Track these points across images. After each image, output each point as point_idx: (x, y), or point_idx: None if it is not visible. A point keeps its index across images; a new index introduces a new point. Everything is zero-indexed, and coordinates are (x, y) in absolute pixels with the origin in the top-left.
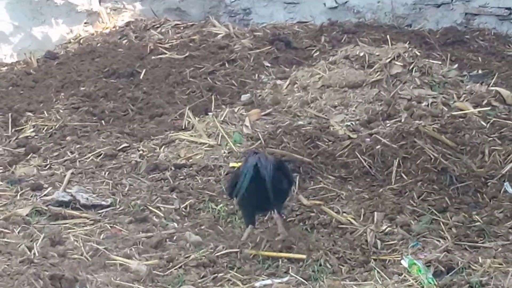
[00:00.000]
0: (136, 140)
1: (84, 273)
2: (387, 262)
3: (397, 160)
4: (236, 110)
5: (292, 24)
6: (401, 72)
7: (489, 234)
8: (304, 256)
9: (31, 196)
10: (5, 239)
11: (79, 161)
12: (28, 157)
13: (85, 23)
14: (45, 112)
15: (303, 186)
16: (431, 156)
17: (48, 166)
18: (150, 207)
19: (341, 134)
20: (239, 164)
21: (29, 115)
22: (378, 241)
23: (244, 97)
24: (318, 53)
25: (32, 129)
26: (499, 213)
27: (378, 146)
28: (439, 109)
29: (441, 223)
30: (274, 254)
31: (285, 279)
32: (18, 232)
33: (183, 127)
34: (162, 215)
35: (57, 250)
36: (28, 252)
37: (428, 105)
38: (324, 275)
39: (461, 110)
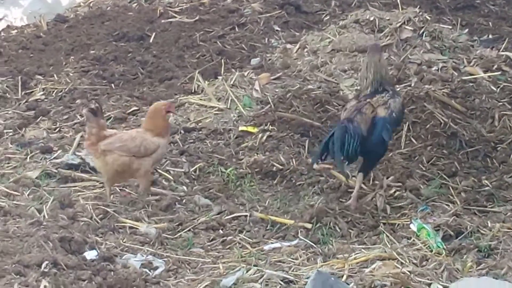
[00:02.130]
0: (145, 104)
1: (93, 235)
2: (396, 226)
3: (407, 125)
4: (246, 74)
5: None
6: (411, 37)
7: (498, 199)
8: (309, 226)
9: (41, 159)
10: (15, 202)
11: None
12: (38, 120)
13: None
14: (55, 75)
15: (313, 150)
16: (441, 120)
17: (58, 129)
18: (160, 170)
19: (350, 98)
20: (252, 128)
21: (39, 78)
22: (387, 206)
23: (254, 61)
24: (328, 17)
25: (42, 92)
26: (509, 178)
27: None
28: (449, 73)
29: (450, 188)
30: (281, 220)
31: (293, 242)
32: (28, 195)
33: (193, 91)
34: (172, 178)
35: (66, 213)
36: (38, 214)
37: (438, 70)
38: (333, 238)
39: (471, 74)
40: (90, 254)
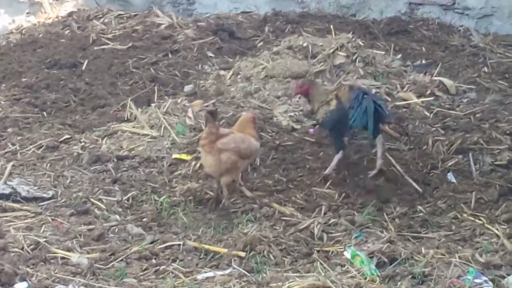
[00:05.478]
0: (78, 132)
1: (24, 266)
2: (330, 253)
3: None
4: (179, 101)
5: (236, 14)
6: (345, 63)
7: (432, 225)
8: (243, 254)
9: None
10: None
11: (20, 153)
12: None
13: (27, 13)
14: None
15: (247, 177)
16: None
17: None
18: (92, 199)
19: (284, 124)
20: (186, 156)
21: None
22: (322, 233)
23: (187, 88)
24: (261, 43)
25: None
26: (442, 203)
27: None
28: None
29: (384, 214)
30: (215, 248)
31: (227, 271)
32: None
33: (126, 119)
34: (104, 207)
35: None
36: None
37: None
38: (267, 267)
39: (405, 100)
40: (21, 286)
